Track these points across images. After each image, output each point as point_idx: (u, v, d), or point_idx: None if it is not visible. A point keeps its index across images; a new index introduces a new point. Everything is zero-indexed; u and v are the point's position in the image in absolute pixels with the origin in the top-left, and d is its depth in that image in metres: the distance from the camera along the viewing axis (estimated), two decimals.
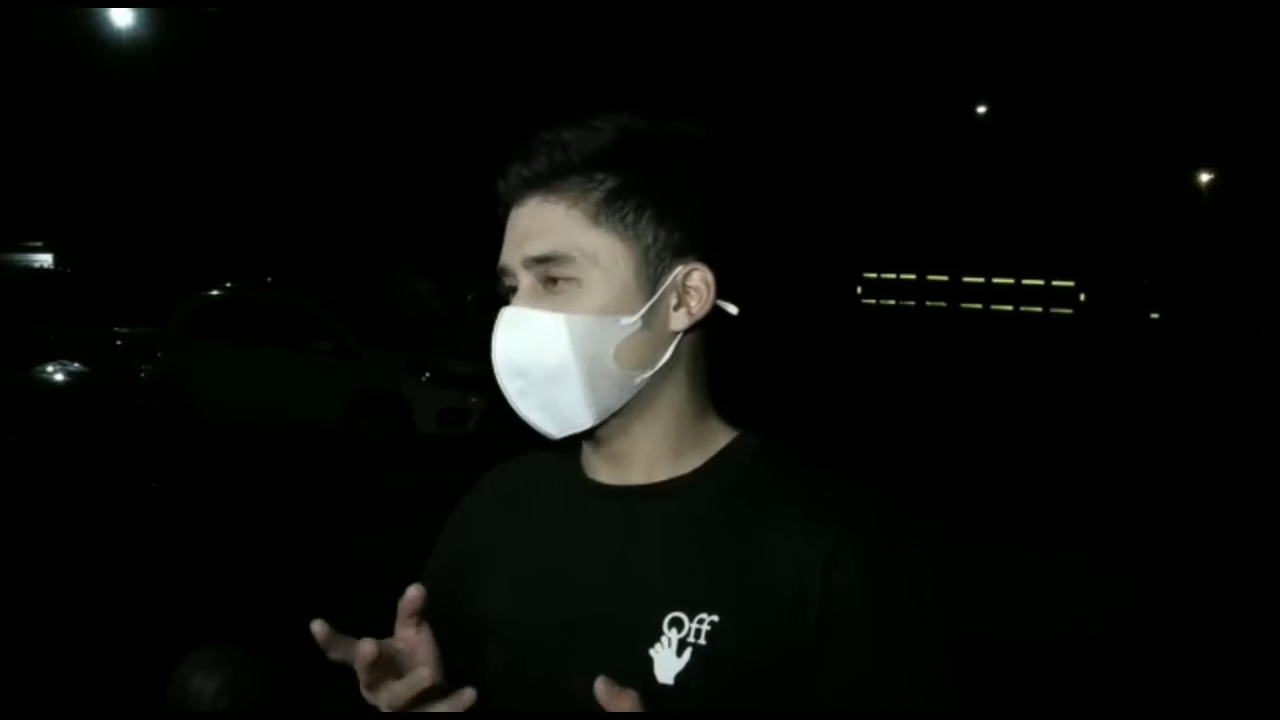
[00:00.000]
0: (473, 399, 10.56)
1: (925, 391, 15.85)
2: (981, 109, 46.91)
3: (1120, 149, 46.21)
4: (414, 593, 0.97)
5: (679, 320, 1.09)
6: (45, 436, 9.11)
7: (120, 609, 5.63)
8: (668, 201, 1.07)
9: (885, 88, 45.44)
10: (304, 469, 9.78)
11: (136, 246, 23.72)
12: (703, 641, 1.01)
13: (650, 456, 1.10)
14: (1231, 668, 5.25)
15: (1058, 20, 45.87)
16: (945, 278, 54.20)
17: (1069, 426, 12.94)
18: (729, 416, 1.15)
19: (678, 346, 1.09)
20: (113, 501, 7.99)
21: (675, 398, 1.11)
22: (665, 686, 1.01)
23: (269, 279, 16.63)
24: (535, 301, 1.06)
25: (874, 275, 54.78)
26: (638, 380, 1.07)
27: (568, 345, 1.04)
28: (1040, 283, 51.90)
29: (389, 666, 0.97)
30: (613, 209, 1.05)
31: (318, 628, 0.94)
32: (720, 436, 1.13)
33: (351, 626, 0.96)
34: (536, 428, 1.09)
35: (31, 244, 22.03)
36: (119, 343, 11.70)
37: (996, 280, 53.54)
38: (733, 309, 1.12)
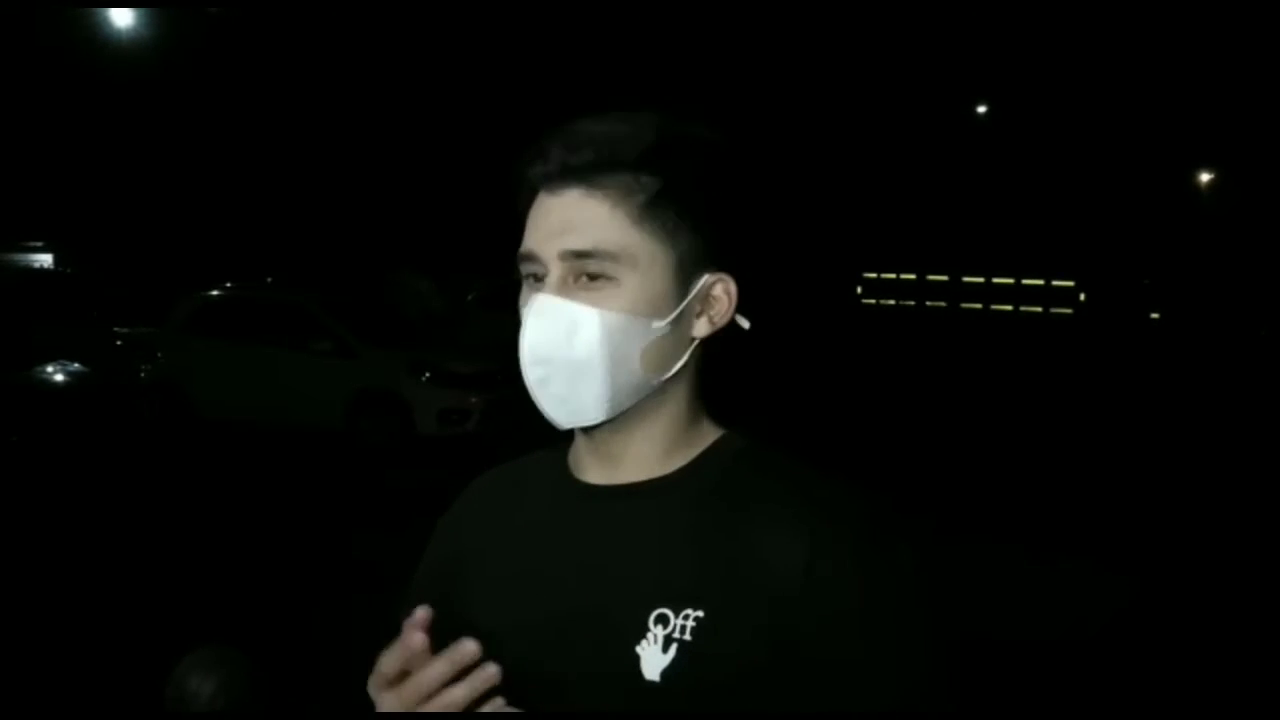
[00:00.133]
0: (473, 399, 10.56)
1: (925, 391, 15.84)
2: (981, 109, 46.93)
3: (1120, 149, 46.23)
4: (422, 614, 0.97)
5: (700, 328, 1.11)
6: (45, 436, 9.11)
7: (120, 609, 5.63)
8: (704, 211, 1.09)
9: (885, 87, 45.47)
10: (304, 469, 9.78)
11: (136, 246, 23.74)
12: (688, 637, 1.02)
13: (642, 457, 1.12)
14: (1232, 668, 5.25)
15: (1058, 20, 45.91)
16: (945, 278, 54.19)
17: (1069, 426, 12.94)
18: (725, 416, 1.16)
19: (691, 353, 1.11)
20: (113, 501, 7.99)
21: (677, 402, 1.12)
22: (652, 683, 1.02)
23: (269, 279, 16.64)
24: (568, 294, 1.07)
25: (874, 275, 54.78)
26: (654, 383, 1.09)
27: (598, 341, 1.05)
28: (1040, 283, 51.88)
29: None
30: (655, 213, 1.06)
31: (422, 615, 0.96)
32: (708, 436, 1.14)
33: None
34: (548, 416, 1.09)
35: (31, 244, 22.07)
36: (119, 343, 11.70)
37: (996, 280, 53.53)
38: (746, 324, 1.14)
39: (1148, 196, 46.53)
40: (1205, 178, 48.21)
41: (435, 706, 0.96)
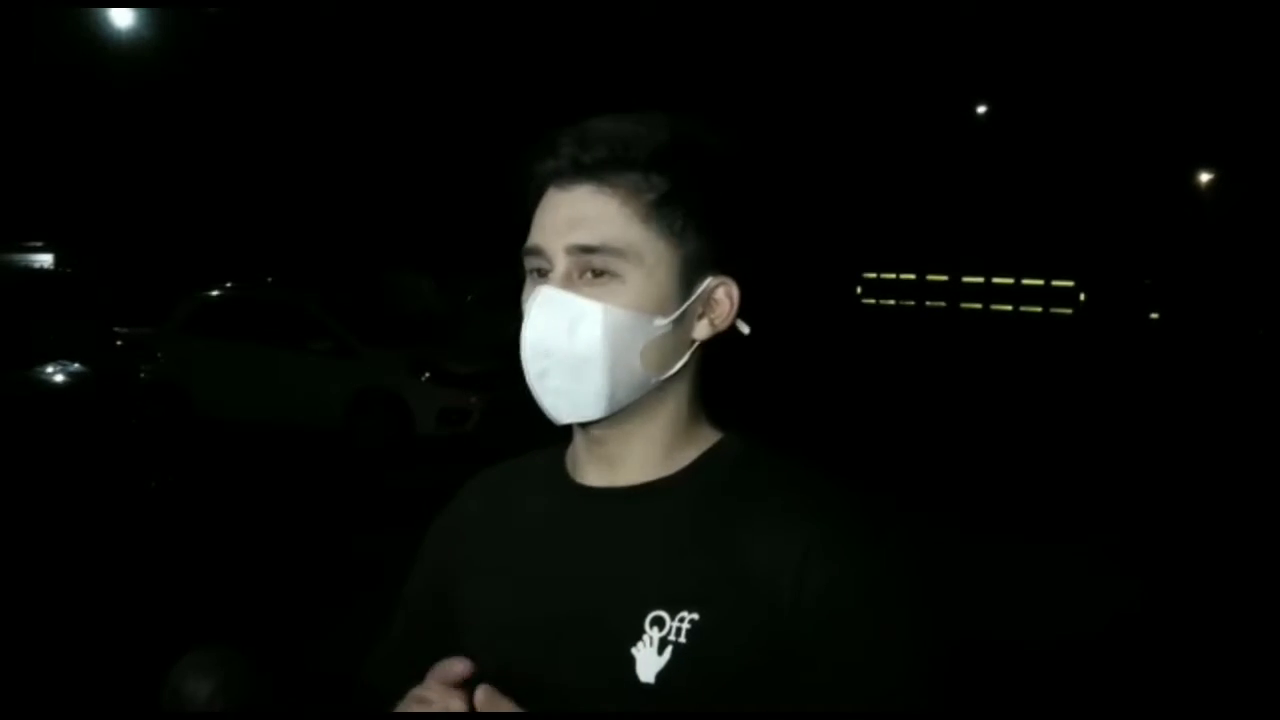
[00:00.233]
0: (472, 399, 10.56)
1: (925, 392, 15.84)
2: (981, 109, 46.91)
3: (1120, 149, 46.21)
4: (460, 669, 1.01)
5: (701, 330, 1.11)
6: (45, 436, 9.10)
7: (119, 609, 5.62)
8: (711, 213, 1.09)
9: (885, 88, 45.45)
10: (303, 469, 9.78)
11: (136, 246, 23.71)
12: (684, 640, 1.02)
13: (641, 459, 1.12)
14: (1233, 668, 5.25)
15: (1057, 20, 45.89)
16: (945, 278, 54.18)
17: (1069, 426, 12.94)
18: (725, 418, 1.16)
19: (691, 355, 1.11)
20: (113, 501, 7.99)
21: (675, 404, 1.12)
22: (647, 685, 1.02)
23: (269, 279, 16.63)
24: (573, 289, 1.07)
25: (874, 275, 54.78)
26: (653, 382, 1.09)
27: (601, 335, 1.05)
28: (1040, 283, 51.84)
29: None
30: (663, 212, 1.07)
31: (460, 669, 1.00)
32: (707, 439, 1.14)
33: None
34: (546, 410, 1.09)
35: (31, 244, 22.03)
36: (119, 343, 11.69)
37: (996, 280, 53.51)
38: (746, 329, 1.14)
39: (1148, 196, 46.51)
40: (1205, 178, 48.19)
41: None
